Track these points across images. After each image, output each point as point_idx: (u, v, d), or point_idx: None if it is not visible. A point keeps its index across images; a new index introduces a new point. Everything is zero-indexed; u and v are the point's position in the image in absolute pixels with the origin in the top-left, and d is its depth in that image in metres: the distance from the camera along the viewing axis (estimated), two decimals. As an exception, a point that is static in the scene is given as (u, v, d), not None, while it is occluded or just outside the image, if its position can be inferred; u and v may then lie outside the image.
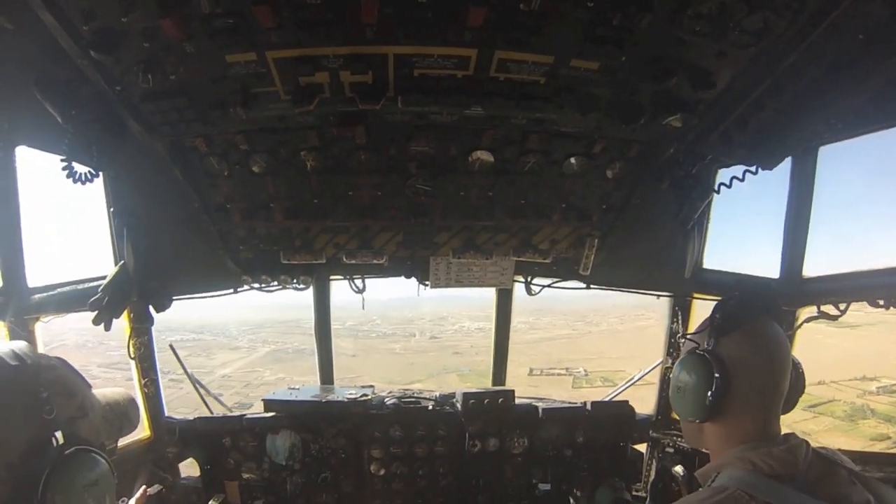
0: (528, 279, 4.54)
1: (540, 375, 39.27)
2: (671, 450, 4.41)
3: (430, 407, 4.46)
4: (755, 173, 3.14)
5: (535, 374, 39.50)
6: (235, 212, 3.52)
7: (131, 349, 4.04)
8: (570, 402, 4.77)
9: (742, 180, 3.24)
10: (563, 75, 2.49)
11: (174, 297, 4.07)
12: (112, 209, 3.57)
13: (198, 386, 4.87)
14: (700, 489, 1.89)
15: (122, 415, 2.23)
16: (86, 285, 3.63)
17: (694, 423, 2.03)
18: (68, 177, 2.80)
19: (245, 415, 4.32)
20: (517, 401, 4.53)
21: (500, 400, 4.40)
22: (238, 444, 4.28)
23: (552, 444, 4.50)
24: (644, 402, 4.76)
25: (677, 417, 3.72)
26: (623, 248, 4.13)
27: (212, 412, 4.78)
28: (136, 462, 4.05)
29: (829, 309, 3.61)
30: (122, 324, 3.85)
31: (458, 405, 4.43)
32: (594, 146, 3.22)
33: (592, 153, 3.28)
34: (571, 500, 4.29)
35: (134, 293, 3.70)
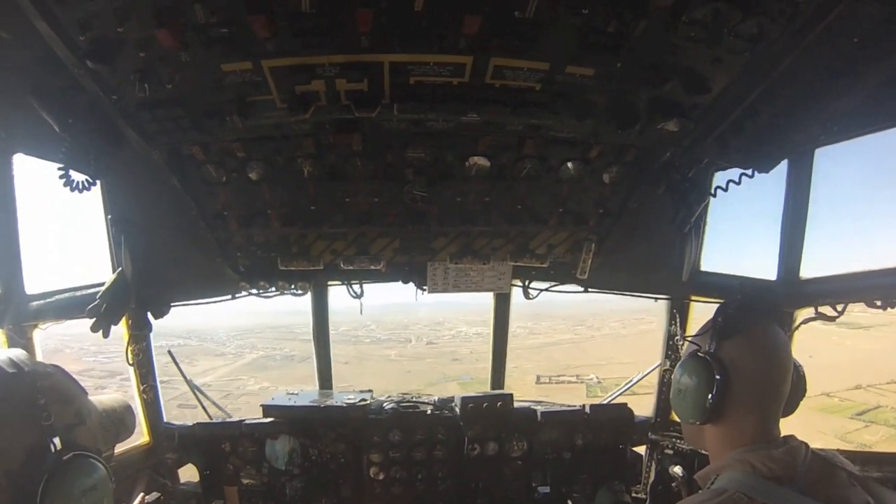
0: (526, 283, 4.54)
1: (549, 384, 38.06)
2: (670, 452, 4.41)
3: (429, 411, 4.46)
4: (751, 176, 3.16)
5: (544, 383, 38.17)
6: (233, 219, 3.52)
7: (129, 356, 4.04)
8: (568, 406, 4.78)
9: (738, 183, 3.25)
10: (559, 82, 2.49)
11: (172, 304, 4.07)
12: (110, 217, 3.57)
13: (196, 391, 4.87)
14: (699, 491, 1.90)
15: (118, 421, 2.24)
16: (84, 292, 3.63)
17: (694, 424, 2.04)
18: (66, 185, 2.81)
19: (244, 420, 4.31)
20: (516, 404, 4.53)
21: (499, 404, 4.40)
22: (237, 450, 4.28)
23: (551, 448, 4.50)
24: (641, 409, 4.77)
25: (676, 420, 3.73)
26: (620, 252, 4.13)
27: (210, 417, 4.78)
28: (136, 468, 4.04)
29: (826, 310, 3.62)
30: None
31: (457, 409, 4.43)
32: (590, 151, 3.23)
33: (589, 158, 3.28)
34: (570, 503, 4.30)
35: (132, 300, 3.70)
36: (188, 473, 4.47)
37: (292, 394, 4.63)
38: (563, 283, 4.45)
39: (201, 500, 4.28)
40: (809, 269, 3.74)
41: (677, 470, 4.21)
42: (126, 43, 2.14)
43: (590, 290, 4.48)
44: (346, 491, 4.34)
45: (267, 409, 4.33)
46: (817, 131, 2.84)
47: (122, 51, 2.17)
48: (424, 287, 4.25)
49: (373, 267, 3.92)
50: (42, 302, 3.48)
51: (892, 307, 3.34)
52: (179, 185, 3.20)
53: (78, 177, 2.88)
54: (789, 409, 2.11)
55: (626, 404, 4.65)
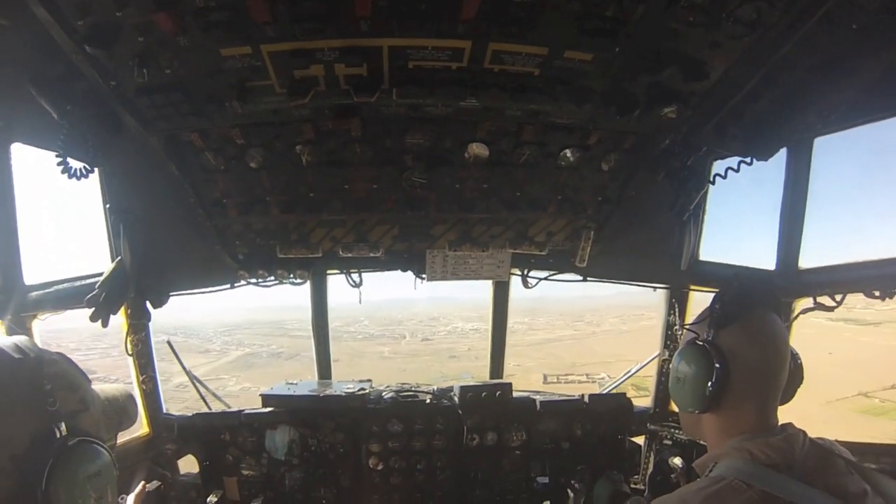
0: (525, 272, 4.55)
1: (557, 383, 36.37)
2: (669, 442, 4.42)
3: (428, 401, 4.47)
4: (750, 164, 3.16)
5: (552, 382, 36.26)
6: (231, 206, 3.52)
7: (129, 346, 4.05)
8: (567, 395, 4.78)
9: (737, 171, 3.25)
10: (557, 67, 2.49)
11: (171, 293, 4.07)
12: (108, 205, 3.57)
13: (195, 382, 4.88)
14: (698, 479, 1.90)
15: (120, 410, 2.24)
16: (83, 282, 3.63)
17: (693, 413, 2.04)
18: (63, 172, 2.80)
19: (243, 410, 4.32)
20: (515, 394, 4.54)
21: (498, 393, 4.41)
22: (236, 440, 4.28)
23: (550, 438, 4.51)
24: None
25: (675, 410, 3.73)
26: (619, 240, 4.14)
27: (210, 408, 4.78)
28: (135, 459, 4.05)
29: (824, 300, 3.63)
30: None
31: (456, 399, 4.44)
32: (589, 138, 3.22)
33: (587, 145, 3.28)
34: (570, 493, 4.31)
35: (131, 289, 3.70)
36: (188, 464, 4.48)
37: (291, 383, 4.63)
38: (561, 271, 4.45)
39: (201, 490, 4.28)
40: (808, 259, 3.75)
41: (676, 460, 4.21)
42: (124, 27, 2.14)
43: (588, 278, 4.49)
44: (346, 481, 4.35)
45: (266, 399, 4.34)
46: (816, 120, 2.83)
47: (120, 35, 2.16)
48: (423, 275, 4.26)
49: (372, 254, 3.93)
50: (41, 292, 3.48)
51: (891, 297, 3.35)
52: (178, 172, 3.20)
53: (76, 164, 2.87)
54: (787, 396, 2.11)
55: (624, 394, 4.66)
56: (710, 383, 1.91)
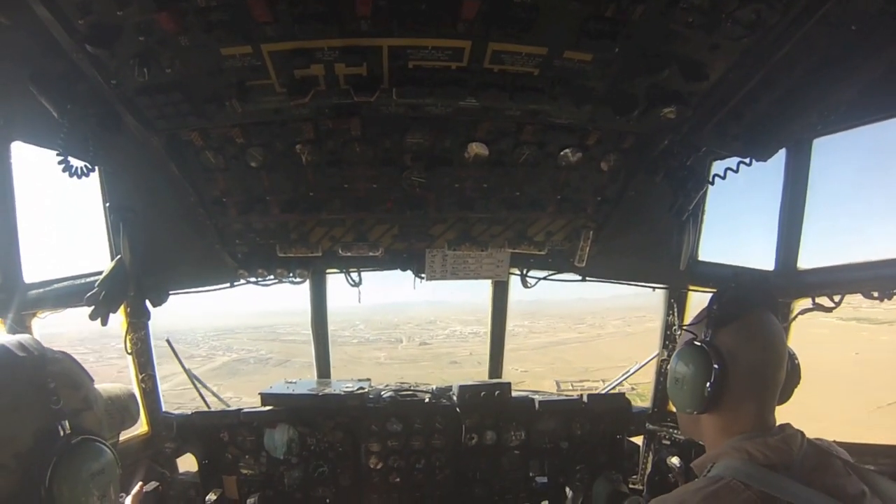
0: (524, 272, 4.55)
1: (573, 391, 35.26)
2: (667, 442, 4.43)
3: (427, 400, 4.48)
4: (749, 164, 3.16)
5: (567, 390, 33.02)
6: (231, 206, 3.52)
7: (128, 344, 4.05)
8: (566, 395, 4.79)
9: (736, 172, 3.25)
10: (557, 67, 2.49)
11: (171, 292, 4.07)
12: (108, 204, 3.56)
13: (194, 381, 4.88)
14: (696, 479, 1.91)
15: (123, 409, 2.25)
16: (82, 280, 3.63)
17: (691, 414, 2.04)
18: (64, 171, 2.80)
19: (242, 409, 4.33)
20: (514, 393, 4.55)
21: (497, 392, 4.42)
22: (235, 439, 4.29)
23: (549, 437, 4.52)
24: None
25: (674, 410, 3.75)
26: (618, 240, 4.14)
27: (209, 407, 4.79)
28: (135, 457, 4.06)
29: (823, 301, 3.64)
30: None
31: (455, 398, 4.45)
32: (588, 138, 3.22)
33: (587, 145, 3.28)
34: (568, 493, 4.32)
35: (130, 288, 3.69)
36: (187, 463, 4.49)
37: (290, 382, 4.65)
38: (561, 271, 4.45)
39: (200, 489, 4.30)
40: (807, 260, 3.76)
41: (674, 460, 4.23)
42: (125, 27, 2.14)
43: (587, 278, 4.49)
44: (345, 480, 4.36)
45: (265, 398, 4.35)
46: (815, 121, 2.83)
47: (121, 35, 2.16)
48: (423, 275, 4.26)
49: (371, 253, 3.92)
50: (41, 291, 3.48)
51: (889, 298, 3.36)
52: (178, 171, 3.20)
53: (77, 163, 2.88)
54: (784, 397, 2.11)
55: (623, 394, 4.68)
56: (708, 384, 1.92)
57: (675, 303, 4.44)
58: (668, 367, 2.19)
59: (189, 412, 4.42)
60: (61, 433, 1.58)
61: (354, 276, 4.44)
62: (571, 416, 4.53)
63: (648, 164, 3.40)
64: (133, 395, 2.38)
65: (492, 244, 4.04)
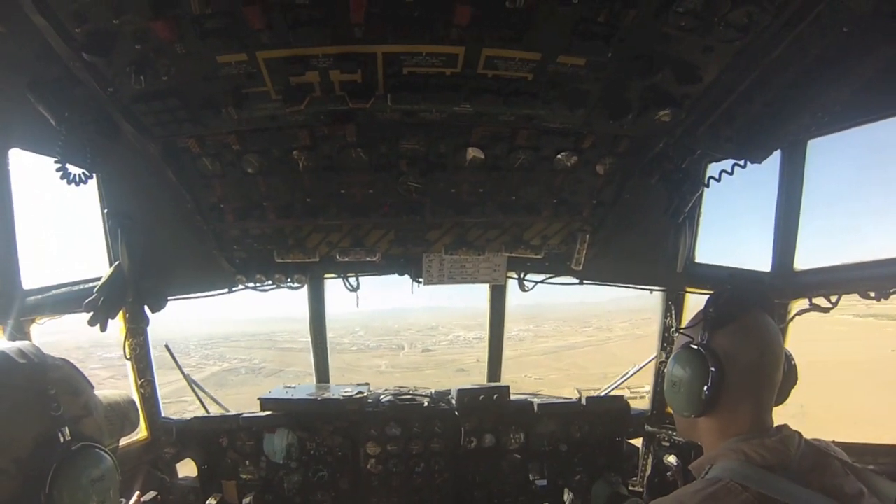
0: (521, 275, 4.56)
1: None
2: (667, 444, 4.43)
3: (426, 404, 4.49)
4: (744, 167, 3.17)
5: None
6: (229, 212, 3.53)
7: (127, 350, 4.06)
8: (564, 398, 4.80)
9: (731, 174, 3.26)
10: (551, 71, 2.50)
11: (169, 298, 4.08)
12: (106, 210, 3.58)
13: (193, 386, 4.89)
14: (694, 481, 1.91)
15: (123, 415, 2.25)
16: (81, 287, 3.65)
17: (689, 417, 2.04)
18: (62, 178, 2.81)
19: (241, 414, 4.33)
20: (512, 396, 4.55)
21: (496, 396, 4.43)
22: (235, 444, 4.29)
23: (548, 440, 4.52)
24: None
25: (672, 412, 3.75)
26: (615, 243, 4.16)
27: (208, 412, 4.79)
28: (134, 462, 4.06)
29: (820, 301, 3.64)
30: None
31: (454, 402, 4.45)
32: (583, 142, 3.23)
33: (582, 148, 3.29)
34: (567, 495, 4.32)
35: (129, 294, 3.71)
36: (186, 468, 4.49)
37: (289, 387, 4.65)
38: (558, 274, 4.46)
39: (200, 494, 4.30)
40: (804, 261, 3.76)
41: (673, 461, 4.23)
42: (121, 35, 2.15)
43: (585, 281, 4.50)
44: (344, 484, 4.36)
45: (264, 403, 4.36)
46: (809, 122, 2.84)
47: (117, 43, 2.18)
48: (420, 279, 4.27)
49: (368, 259, 3.94)
50: (39, 297, 3.49)
51: (886, 298, 3.36)
52: (175, 178, 3.22)
53: (74, 170, 2.89)
54: (781, 398, 2.11)
55: (622, 396, 4.68)
56: (705, 388, 1.91)
57: (673, 305, 4.45)
58: (666, 370, 2.19)
59: (188, 417, 4.42)
60: (61, 440, 1.59)
61: (352, 281, 4.45)
62: (570, 418, 4.53)
63: (643, 167, 3.41)
64: (133, 402, 2.38)
65: (488, 248, 4.06)
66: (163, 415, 4.37)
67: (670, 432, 4.42)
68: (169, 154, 3.08)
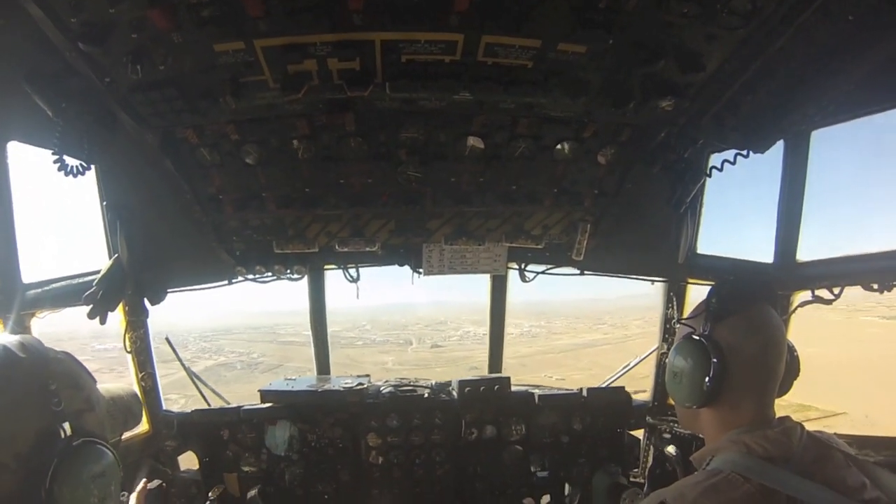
0: (522, 266, 4.55)
1: None
2: (668, 435, 4.43)
3: (427, 395, 4.48)
4: (746, 157, 3.14)
5: None
6: (228, 202, 3.52)
7: (127, 343, 4.06)
8: (566, 389, 4.79)
9: (734, 164, 3.24)
10: (551, 59, 2.48)
11: (169, 290, 4.08)
12: (105, 202, 3.57)
13: (194, 378, 4.89)
14: (695, 472, 1.90)
15: (125, 409, 2.25)
16: (80, 280, 3.64)
17: (690, 408, 2.04)
18: (59, 170, 2.80)
19: (242, 406, 4.34)
20: (513, 388, 4.55)
21: (497, 387, 4.43)
22: (236, 437, 4.30)
23: (549, 431, 4.52)
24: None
25: (673, 403, 3.75)
26: (616, 234, 4.14)
27: (209, 405, 4.80)
28: (136, 456, 4.08)
29: (823, 293, 3.63)
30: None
31: (455, 393, 4.46)
32: (585, 131, 3.21)
33: (583, 138, 3.27)
34: (568, 487, 4.32)
35: (129, 286, 3.71)
36: (188, 461, 4.50)
37: (290, 379, 4.66)
38: (559, 265, 4.46)
39: (201, 487, 4.31)
40: (807, 252, 3.75)
41: (673, 451, 4.24)
42: (118, 24, 2.13)
43: (586, 272, 4.49)
44: (345, 476, 4.36)
45: (265, 395, 4.36)
46: (813, 112, 2.81)
47: (114, 32, 2.16)
48: (420, 269, 4.26)
49: (368, 249, 3.92)
50: (39, 290, 3.49)
51: (889, 290, 3.35)
52: (173, 168, 3.20)
53: (72, 161, 2.88)
54: (783, 389, 2.11)
55: (623, 388, 4.67)
56: (707, 378, 1.91)
57: (675, 296, 4.44)
58: (667, 361, 2.18)
59: (189, 410, 4.43)
60: (62, 435, 1.58)
61: (352, 272, 4.44)
62: (571, 410, 4.53)
63: (646, 156, 3.40)
64: (136, 396, 2.38)
65: (489, 238, 4.04)
66: (164, 408, 4.38)
67: (671, 424, 4.42)
68: (167, 144, 3.07)
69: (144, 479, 3.56)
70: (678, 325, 4.27)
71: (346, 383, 4.44)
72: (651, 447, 4.62)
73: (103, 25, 2.12)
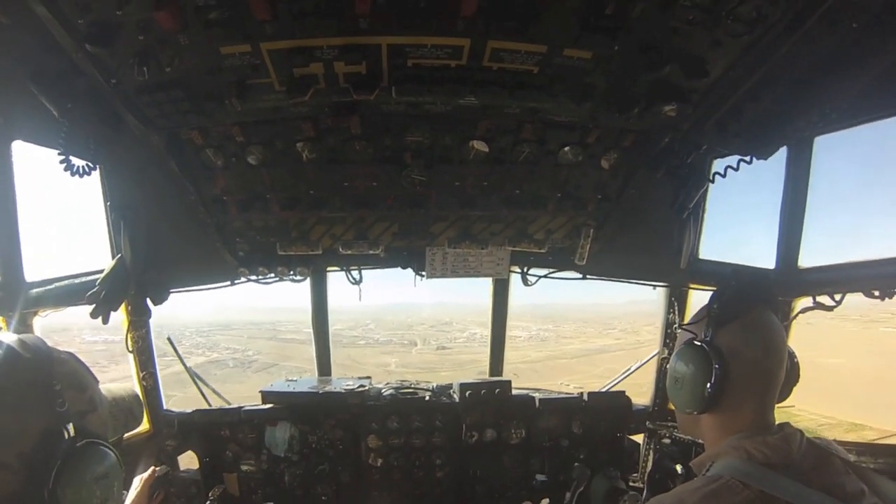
0: (525, 270, 4.56)
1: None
2: (668, 440, 4.42)
3: (427, 398, 4.49)
4: (750, 163, 3.15)
5: None
6: (232, 204, 3.52)
7: (129, 342, 4.06)
8: (566, 393, 4.80)
9: (737, 170, 3.24)
10: (556, 64, 2.49)
11: (171, 290, 4.08)
12: (109, 202, 3.58)
13: (195, 378, 4.89)
14: (695, 478, 1.90)
15: (127, 410, 2.24)
16: (83, 279, 3.64)
17: (691, 414, 2.03)
18: (65, 170, 2.81)
19: (243, 406, 4.34)
20: (514, 391, 4.55)
21: (497, 390, 4.43)
22: (236, 437, 4.31)
23: (549, 435, 4.53)
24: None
25: (673, 408, 3.76)
26: (619, 238, 4.14)
27: (210, 405, 4.80)
28: (136, 455, 4.07)
29: (824, 299, 3.63)
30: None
31: (455, 396, 4.46)
32: (589, 135, 3.22)
33: (587, 142, 3.27)
34: (568, 491, 4.32)
35: (131, 286, 3.71)
36: (188, 460, 4.50)
37: (291, 380, 4.66)
38: (561, 269, 4.46)
39: (201, 486, 4.31)
40: (808, 258, 3.75)
41: (673, 455, 4.23)
42: (125, 26, 2.14)
43: (588, 276, 4.49)
44: (345, 477, 4.37)
45: (266, 396, 4.36)
46: (816, 118, 2.82)
47: (121, 34, 2.17)
48: (423, 272, 4.27)
49: (371, 251, 3.93)
50: (42, 289, 3.49)
51: (890, 297, 3.34)
52: (178, 169, 3.21)
53: (78, 161, 2.89)
54: (783, 395, 2.10)
55: (623, 392, 4.67)
56: (708, 384, 1.90)
57: (676, 301, 4.44)
58: (668, 366, 2.18)
59: (190, 410, 4.43)
60: (66, 436, 1.58)
61: (355, 273, 4.45)
62: (572, 414, 4.53)
63: (649, 161, 3.40)
64: (137, 397, 2.37)
65: (492, 242, 4.05)
66: (164, 407, 4.38)
67: (672, 429, 4.41)
68: (172, 146, 3.08)
69: (153, 466, 3.55)
70: (679, 331, 4.28)
71: (347, 385, 4.44)
72: (651, 452, 4.61)
73: (110, 26, 2.13)
